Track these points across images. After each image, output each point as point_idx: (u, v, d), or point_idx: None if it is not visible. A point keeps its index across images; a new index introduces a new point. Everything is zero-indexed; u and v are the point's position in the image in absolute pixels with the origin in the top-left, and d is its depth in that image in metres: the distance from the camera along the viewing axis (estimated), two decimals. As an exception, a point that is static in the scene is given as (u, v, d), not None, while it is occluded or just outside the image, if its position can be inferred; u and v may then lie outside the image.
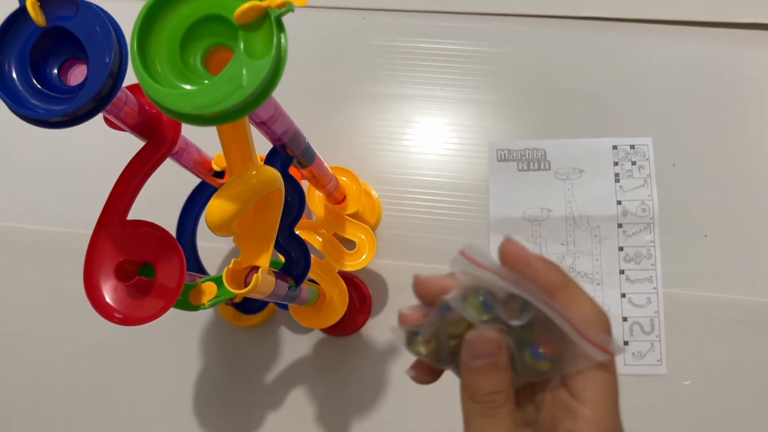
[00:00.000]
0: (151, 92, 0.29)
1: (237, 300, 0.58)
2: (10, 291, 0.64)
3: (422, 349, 0.28)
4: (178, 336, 0.61)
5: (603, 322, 0.27)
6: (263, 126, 0.37)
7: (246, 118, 0.35)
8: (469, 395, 0.26)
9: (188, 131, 0.45)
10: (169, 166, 0.44)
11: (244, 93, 0.28)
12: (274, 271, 0.41)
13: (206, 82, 0.29)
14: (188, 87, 0.30)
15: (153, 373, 0.61)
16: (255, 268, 0.38)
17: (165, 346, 0.61)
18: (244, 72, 0.28)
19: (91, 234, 0.41)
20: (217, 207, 0.34)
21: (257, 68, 0.28)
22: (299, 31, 0.49)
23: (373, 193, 0.62)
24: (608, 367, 0.26)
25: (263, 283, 0.37)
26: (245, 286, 0.36)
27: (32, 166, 0.67)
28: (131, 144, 0.41)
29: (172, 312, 0.60)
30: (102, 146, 0.65)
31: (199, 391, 0.60)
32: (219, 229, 0.34)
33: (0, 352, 0.63)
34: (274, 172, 0.35)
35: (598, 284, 0.59)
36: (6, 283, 0.64)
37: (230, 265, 0.36)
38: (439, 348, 0.28)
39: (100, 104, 0.34)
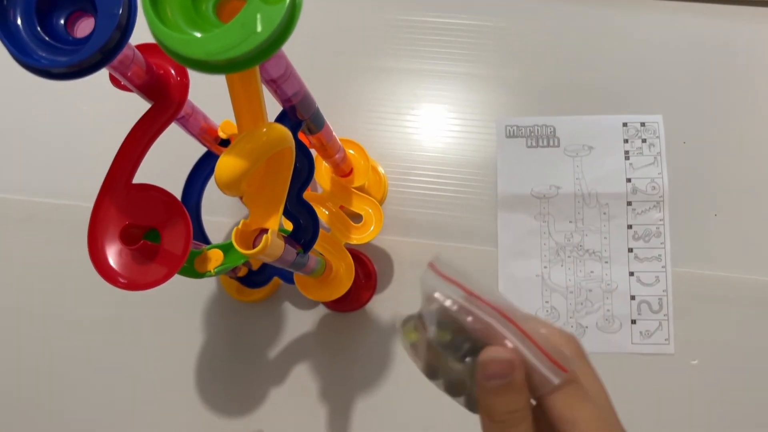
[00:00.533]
0: (162, 37, 0.28)
1: (241, 274, 0.58)
2: (10, 263, 0.63)
3: (413, 336, 0.28)
4: (181, 311, 0.60)
5: (569, 339, 0.27)
6: (273, 84, 0.36)
7: (258, 76, 0.34)
8: (486, 415, 0.26)
9: (195, 97, 0.44)
10: (173, 136, 0.44)
11: (257, 39, 0.28)
12: (283, 237, 0.40)
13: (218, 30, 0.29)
14: (199, 35, 0.29)
15: (155, 347, 0.60)
16: (264, 231, 0.37)
17: (168, 320, 0.61)
18: (259, 17, 0.28)
19: (92, 206, 0.40)
20: (226, 164, 0.33)
21: (272, 14, 0.28)
22: (308, 3, 0.48)
23: (380, 169, 0.61)
24: (577, 388, 0.26)
25: (272, 245, 0.36)
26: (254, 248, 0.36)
27: (33, 138, 0.66)
28: (134, 118, 0.40)
29: (176, 286, 0.59)
30: (104, 119, 0.64)
31: (202, 365, 0.60)
32: (228, 187, 0.33)
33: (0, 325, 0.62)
34: (284, 130, 0.34)
35: (606, 262, 0.58)
36: (5, 256, 0.63)
37: (239, 226, 0.35)
38: (431, 361, 0.28)
39: (107, 57, 0.33)
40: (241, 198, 0.37)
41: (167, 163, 0.47)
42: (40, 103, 0.67)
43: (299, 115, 0.41)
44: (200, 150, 0.54)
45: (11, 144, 0.66)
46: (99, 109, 0.66)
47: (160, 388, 0.60)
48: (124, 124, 0.40)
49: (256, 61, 0.29)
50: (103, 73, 0.42)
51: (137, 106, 0.41)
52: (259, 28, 0.28)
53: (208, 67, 0.29)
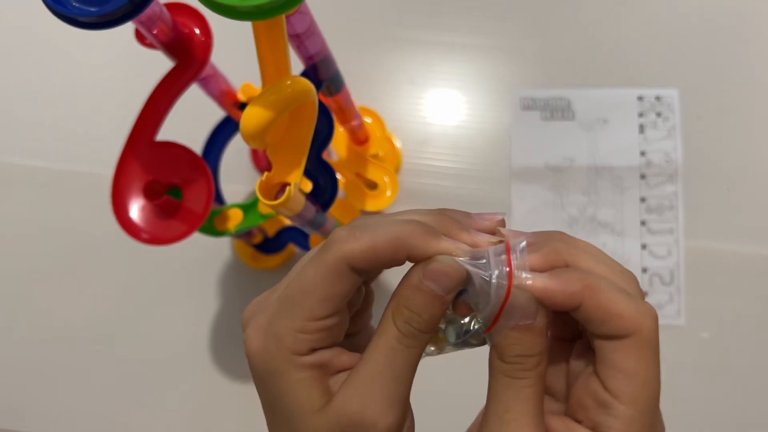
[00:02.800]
0: (194, -18, 0.29)
1: (256, 240, 0.58)
2: (29, 229, 0.64)
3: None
4: (196, 277, 0.61)
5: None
6: (297, 40, 0.37)
7: (284, 28, 0.35)
8: (498, 355, 0.24)
9: (217, 61, 0.45)
10: (192, 102, 0.44)
11: (287, -15, 0.28)
12: (303, 194, 0.40)
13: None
14: (229, -19, 0.29)
15: (170, 314, 0.61)
16: (286, 185, 0.37)
17: (183, 288, 0.61)
18: (288, -37, 0.28)
19: (111, 173, 0.40)
20: (251, 114, 0.33)
21: (302, -40, 0.28)
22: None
23: (395, 140, 0.61)
24: (652, 356, 0.23)
25: (294, 198, 0.36)
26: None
27: (52, 104, 0.67)
28: (153, 83, 0.41)
29: (191, 253, 0.60)
30: (123, 89, 0.65)
31: (216, 333, 0.60)
32: (252, 138, 0.34)
33: (18, 291, 0.63)
34: (308, 83, 0.35)
35: (618, 235, 0.59)
36: (24, 222, 0.64)
37: (263, 178, 0.36)
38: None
39: (136, 8, 0.34)
40: (255, 164, 0.37)
41: (186, 129, 0.48)
42: (60, 71, 0.67)
43: (320, 74, 0.41)
44: (217, 117, 0.54)
45: (31, 110, 0.67)
46: (117, 78, 0.67)
47: (174, 356, 0.60)
48: (142, 91, 0.41)
49: (284, 9, 0.30)
50: (124, 40, 0.43)
51: (156, 74, 0.41)
52: (288, -26, 0.28)
53: (237, 13, 0.29)
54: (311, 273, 0.24)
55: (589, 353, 0.24)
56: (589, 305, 0.23)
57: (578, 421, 0.24)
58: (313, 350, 0.24)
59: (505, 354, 0.24)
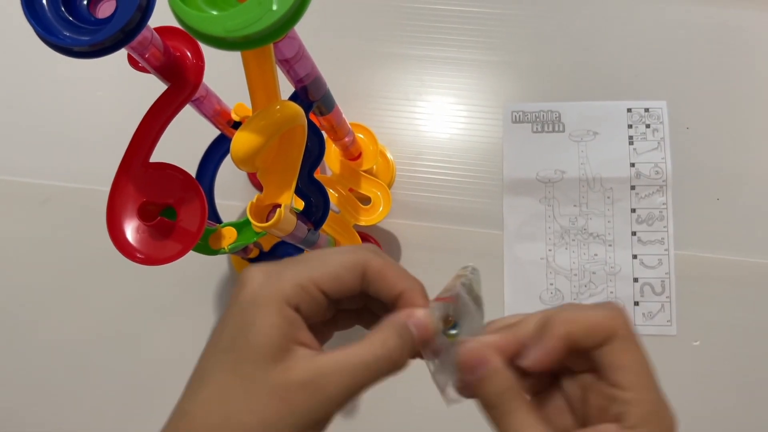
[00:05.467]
0: (182, 15, 0.29)
1: (252, 255, 0.59)
2: (28, 245, 0.65)
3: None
4: (193, 292, 0.62)
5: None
6: (287, 65, 0.38)
7: (272, 55, 0.36)
8: (484, 406, 0.26)
9: (209, 81, 0.46)
10: (187, 121, 0.45)
11: (273, 17, 0.29)
12: (295, 213, 0.41)
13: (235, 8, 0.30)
14: (217, 13, 0.30)
15: (167, 329, 0.62)
16: (277, 207, 0.38)
17: (180, 302, 0.62)
18: (274, -4, 0.29)
19: (109, 188, 0.41)
20: (241, 139, 0.34)
21: (287, -8, 0.29)
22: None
23: (388, 154, 0.62)
24: (636, 346, 0.26)
25: (285, 219, 0.37)
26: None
27: (51, 122, 0.68)
28: (148, 105, 0.42)
29: (188, 267, 0.61)
30: (119, 106, 0.66)
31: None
32: (243, 162, 0.35)
33: (19, 306, 0.64)
34: (297, 108, 0.36)
35: (610, 245, 0.59)
36: (23, 238, 0.65)
37: (254, 200, 0.37)
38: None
39: (127, 37, 0.35)
40: (250, 180, 0.38)
41: (181, 148, 0.49)
42: (58, 90, 0.68)
43: (310, 96, 0.42)
44: (212, 135, 0.55)
45: (30, 129, 0.68)
46: (114, 96, 0.67)
47: (171, 369, 0.61)
48: (139, 110, 0.42)
49: (272, 39, 0.30)
50: (120, 61, 0.44)
51: (151, 93, 0.42)
52: (274, 7, 0.29)
53: (225, 44, 0.30)
54: (334, 253, 0.27)
55: (587, 372, 0.27)
56: (576, 332, 0.26)
57: (602, 422, 0.26)
58: (298, 310, 0.26)
59: (490, 400, 0.26)
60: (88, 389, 0.61)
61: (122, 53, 0.39)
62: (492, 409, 0.26)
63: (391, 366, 0.26)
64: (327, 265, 0.27)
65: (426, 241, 0.61)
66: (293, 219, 0.39)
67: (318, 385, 0.25)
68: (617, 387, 0.26)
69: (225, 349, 0.26)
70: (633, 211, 0.60)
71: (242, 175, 0.63)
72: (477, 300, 0.29)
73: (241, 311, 0.26)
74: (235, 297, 0.26)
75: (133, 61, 0.42)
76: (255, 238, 0.47)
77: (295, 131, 0.37)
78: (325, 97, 0.44)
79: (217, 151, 0.57)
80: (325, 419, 0.25)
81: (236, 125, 0.52)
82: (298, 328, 0.26)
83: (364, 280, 0.27)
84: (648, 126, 0.61)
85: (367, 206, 0.56)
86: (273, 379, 0.24)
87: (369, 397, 0.28)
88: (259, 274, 0.26)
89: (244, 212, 0.63)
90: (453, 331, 0.28)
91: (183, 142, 0.49)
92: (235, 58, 0.37)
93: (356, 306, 0.30)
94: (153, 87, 0.43)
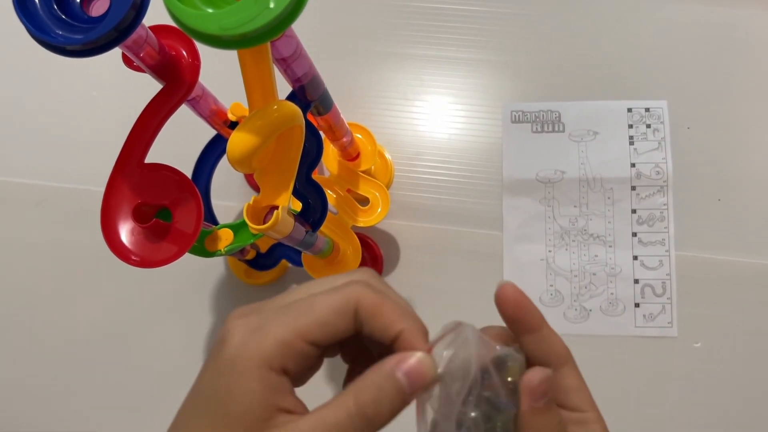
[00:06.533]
0: (178, 13, 0.29)
1: (249, 257, 0.58)
2: (22, 247, 0.64)
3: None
4: (190, 293, 0.61)
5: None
6: (284, 63, 0.37)
7: (269, 54, 0.35)
8: None
9: (205, 81, 0.45)
10: (183, 121, 0.44)
11: (270, 14, 0.28)
12: (292, 215, 0.41)
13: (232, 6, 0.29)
14: (213, 11, 0.29)
15: (164, 330, 0.61)
16: (274, 208, 0.38)
17: (177, 303, 0.61)
18: (272, -7, 0.28)
19: (103, 189, 0.41)
20: (238, 140, 0.34)
21: (284, -10, 0.28)
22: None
23: (386, 154, 0.62)
24: (579, 373, 0.28)
25: (282, 221, 0.37)
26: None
27: (46, 122, 0.67)
28: (143, 104, 0.41)
29: (185, 269, 0.60)
30: (114, 106, 0.65)
31: (210, 348, 0.60)
32: (239, 163, 0.34)
33: (13, 308, 0.63)
34: (295, 108, 0.35)
35: (610, 246, 0.59)
36: (18, 239, 0.64)
37: (250, 202, 0.36)
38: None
39: (121, 35, 0.34)
40: (247, 180, 0.37)
41: (177, 148, 0.48)
42: (52, 90, 0.68)
43: (308, 95, 0.42)
44: (209, 135, 0.54)
45: (23, 130, 0.67)
46: (109, 96, 0.67)
47: (168, 369, 0.60)
48: (134, 110, 0.41)
49: (269, 37, 0.30)
50: (115, 60, 0.43)
51: (146, 93, 0.41)
52: (271, 5, 0.28)
53: (221, 42, 0.30)
54: (322, 294, 0.25)
55: None
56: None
57: None
58: (283, 372, 0.24)
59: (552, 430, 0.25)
60: (82, 391, 0.60)
61: (117, 52, 0.38)
62: None
63: (367, 424, 0.23)
64: (314, 311, 0.24)
65: (425, 242, 0.61)
66: (291, 221, 0.39)
67: None
68: (579, 410, 0.27)
69: (201, 414, 0.24)
70: (633, 211, 0.59)
71: (239, 176, 0.62)
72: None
73: (218, 374, 0.24)
74: (214, 355, 0.25)
75: (127, 60, 0.42)
76: (252, 240, 0.46)
77: (293, 131, 0.36)
78: (322, 97, 0.43)
79: (213, 152, 0.56)
80: None
81: (233, 125, 0.51)
82: (281, 393, 0.24)
83: (357, 321, 0.25)
84: (648, 126, 0.61)
85: (366, 207, 0.55)
86: None
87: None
88: (240, 329, 0.24)
89: (241, 214, 0.63)
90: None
91: (179, 143, 0.48)
92: (231, 57, 0.36)
93: (354, 348, 0.28)
94: (148, 86, 0.42)
